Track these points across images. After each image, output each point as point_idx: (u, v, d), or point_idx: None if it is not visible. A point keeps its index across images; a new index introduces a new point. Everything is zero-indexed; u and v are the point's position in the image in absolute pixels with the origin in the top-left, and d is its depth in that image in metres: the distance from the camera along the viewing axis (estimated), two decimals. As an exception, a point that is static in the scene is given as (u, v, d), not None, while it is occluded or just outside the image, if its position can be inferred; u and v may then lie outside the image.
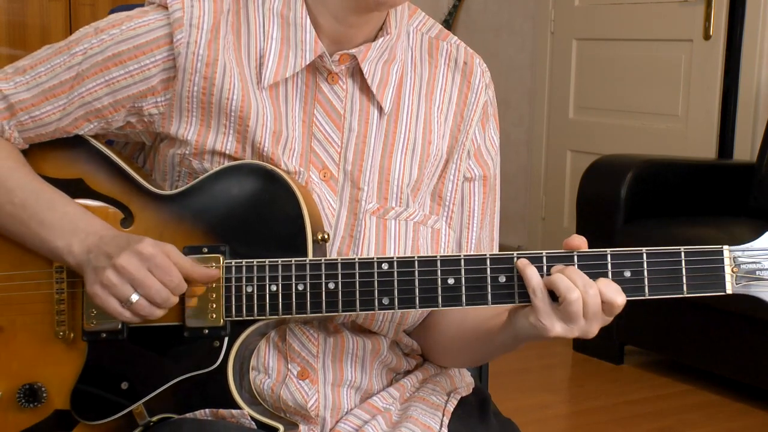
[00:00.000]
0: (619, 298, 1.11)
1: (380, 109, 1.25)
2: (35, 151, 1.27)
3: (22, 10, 4.09)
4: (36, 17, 4.12)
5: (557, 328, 1.11)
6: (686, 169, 3.61)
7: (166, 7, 1.21)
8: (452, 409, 1.27)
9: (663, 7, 4.14)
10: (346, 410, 1.25)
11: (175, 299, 1.15)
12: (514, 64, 4.96)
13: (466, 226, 1.33)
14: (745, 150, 3.88)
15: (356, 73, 1.25)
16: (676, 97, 4.12)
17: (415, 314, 1.28)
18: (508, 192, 4.91)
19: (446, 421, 1.24)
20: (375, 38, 1.25)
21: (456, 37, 1.34)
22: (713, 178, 3.61)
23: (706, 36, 3.95)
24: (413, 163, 1.27)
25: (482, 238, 1.35)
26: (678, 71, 4.10)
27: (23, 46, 4.06)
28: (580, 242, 1.13)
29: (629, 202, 3.40)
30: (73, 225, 1.19)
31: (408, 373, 1.33)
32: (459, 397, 1.31)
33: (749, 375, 3.14)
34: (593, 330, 1.13)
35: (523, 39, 4.91)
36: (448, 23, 5.07)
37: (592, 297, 1.10)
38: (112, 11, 1.36)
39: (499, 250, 1.24)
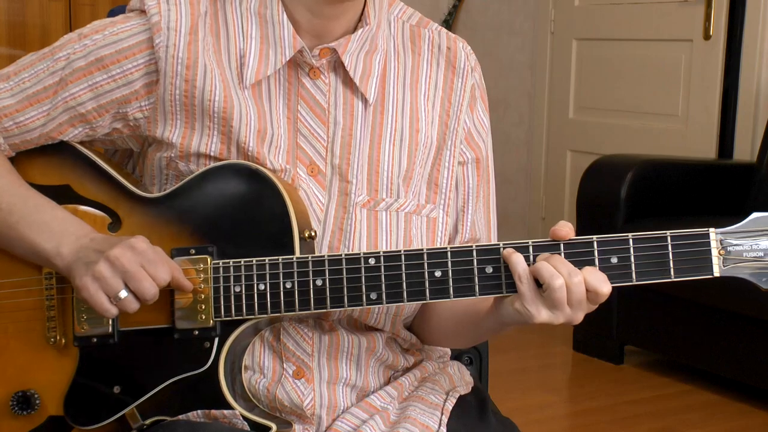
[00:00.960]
0: (604, 287, 1.11)
1: (365, 101, 1.25)
2: (22, 159, 1.27)
3: (22, 10, 4.09)
4: (36, 17, 4.11)
5: (543, 314, 1.12)
6: (686, 169, 3.61)
7: (146, 13, 1.21)
8: (451, 408, 1.26)
9: (663, 7, 4.14)
10: (342, 408, 1.25)
11: (157, 296, 1.15)
12: (514, 64, 4.96)
13: (462, 209, 1.34)
14: (745, 150, 3.87)
15: (338, 66, 1.25)
16: (676, 97, 4.12)
17: (410, 305, 1.28)
18: (508, 192, 4.91)
19: (445, 420, 1.24)
20: (355, 30, 1.25)
21: (437, 24, 1.35)
22: (713, 178, 3.61)
23: (706, 36, 3.95)
24: (402, 152, 1.27)
25: (476, 221, 1.35)
26: (678, 71, 4.10)
27: (23, 46, 4.06)
28: (567, 230, 1.13)
29: (629, 202, 3.40)
30: (62, 228, 1.19)
31: (406, 370, 1.33)
32: (458, 395, 1.30)
33: (749, 375, 3.14)
34: (578, 317, 1.13)
35: (523, 39, 4.91)
36: (448, 23, 5.07)
37: (576, 285, 1.10)
38: (112, 11, 1.36)
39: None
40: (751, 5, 3.84)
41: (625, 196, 3.39)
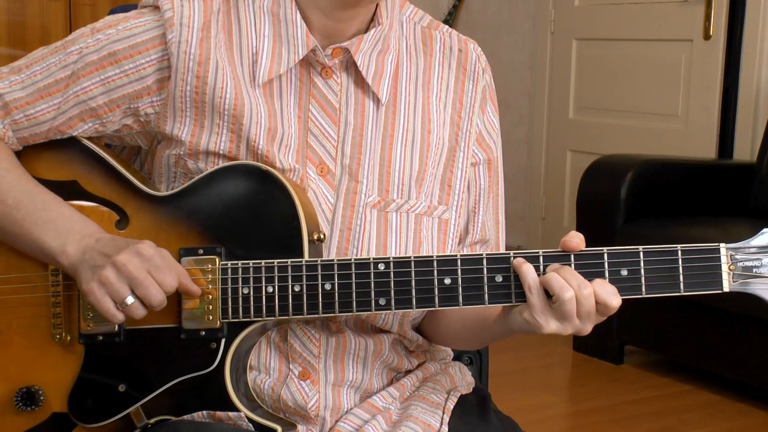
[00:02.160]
0: (614, 300, 1.11)
1: (377, 101, 1.25)
2: (29, 153, 1.26)
3: (22, 10, 4.09)
4: (36, 17, 4.11)
5: (551, 325, 1.12)
6: (686, 169, 3.61)
7: (159, 8, 1.21)
8: (452, 407, 1.27)
9: (663, 7, 4.14)
10: (345, 410, 1.25)
11: (165, 303, 1.15)
12: (514, 64, 4.96)
13: (473, 210, 1.34)
14: (745, 150, 3.88)
15: (350, 66, 1.25)
16: (676, 97, 4.12)
17: None
18: (508, 192, 4.86)
19: (446, 419, 1.24)
20: (367, 30, 1.25)
21: (447, 26, 1.35)
22: (713, 178, 3.61)
23: (706, 36, 3.95)
24: (414, 153, 1.26)
25: (486, 222, 1.35)
26: (678, 71, 4.10)
27: (23, 46, 4.06)
28: (578, 241, 1.13)
29: (629, 202, 3.40)
30: (68, 226, 1.18)
31: (408, 372, 1.33)
32: (459, 395, 1.31)
33: (749, 375, 3.14)
34: (587, 328, 1.13)
35: (523, 39, 4.91)
36: (449, 23, 5.07)
37: (586, 297, 1.10)
38: (112, 11, 1.36)
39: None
40: (751, 5, 3.84)
41: (625, 196, 3.39)
